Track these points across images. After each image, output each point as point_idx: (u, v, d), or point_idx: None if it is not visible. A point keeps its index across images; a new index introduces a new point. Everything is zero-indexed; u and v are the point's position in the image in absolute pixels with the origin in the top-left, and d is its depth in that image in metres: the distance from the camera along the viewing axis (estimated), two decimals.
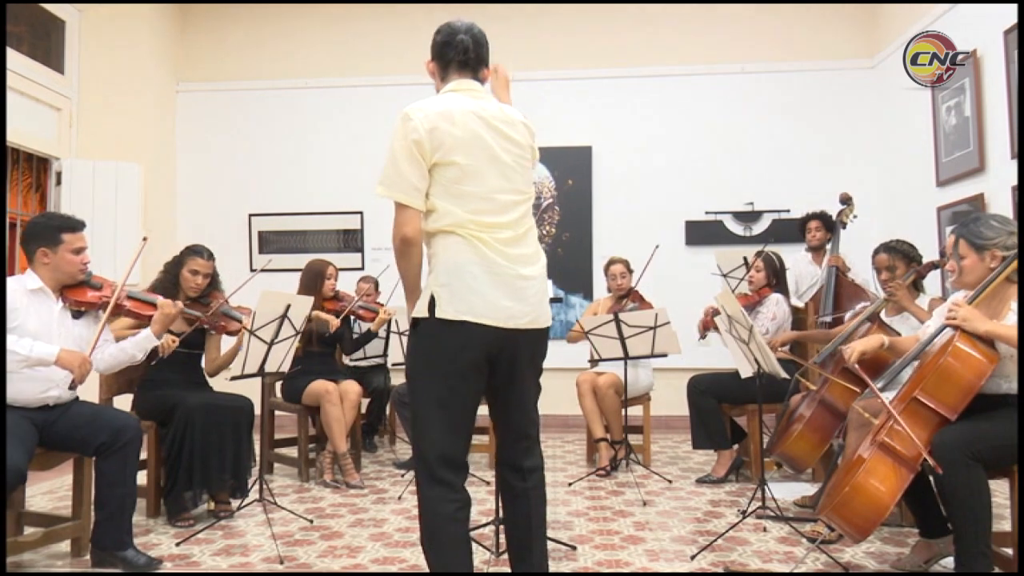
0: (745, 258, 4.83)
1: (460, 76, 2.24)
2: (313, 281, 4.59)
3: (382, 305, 4.96)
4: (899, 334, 3.35)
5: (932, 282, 4.27)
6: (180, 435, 3.50)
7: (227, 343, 3.96)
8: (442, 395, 2.10)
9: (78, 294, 3.11)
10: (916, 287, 3.57)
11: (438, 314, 2.07)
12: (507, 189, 2.17)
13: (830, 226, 5.07)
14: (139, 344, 3.28)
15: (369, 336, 4.90)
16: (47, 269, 3.02)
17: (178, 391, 3.64)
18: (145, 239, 3.51)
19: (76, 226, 3.08)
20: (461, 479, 2.13)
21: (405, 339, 4.35)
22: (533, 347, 2.22)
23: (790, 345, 4.44)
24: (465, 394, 2.13)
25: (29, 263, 3.06)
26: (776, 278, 4.49)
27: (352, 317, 4.85)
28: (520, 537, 2.27)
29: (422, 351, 2.13)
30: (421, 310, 2.11)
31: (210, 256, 3.83)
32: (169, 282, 3.76)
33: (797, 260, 5.22)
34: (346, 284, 5.42)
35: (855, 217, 4.83)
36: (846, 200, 4.79)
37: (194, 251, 3.82)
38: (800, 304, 4.90)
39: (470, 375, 2.11)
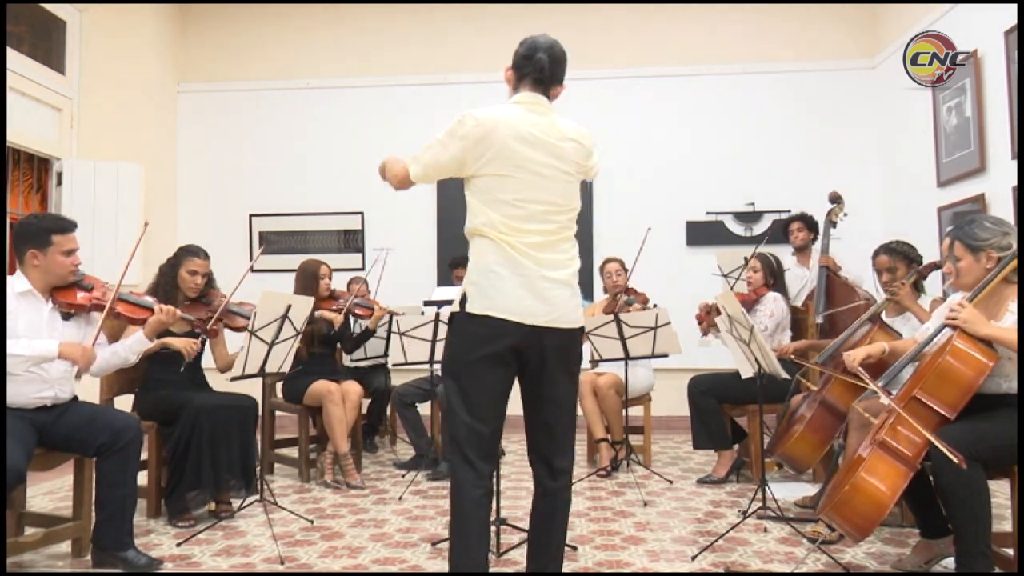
0: (746, 258, 4.83)
1: (532, 90, 2.37)
2: (309, 282, 4.59)
3: (376, 302, 4.95)
4: (900, 335, 3.36)
5: (933, 283, 4.27)
6: (187, 435, 3.49)
7: (234, 339, 3.93)
8: (467, 384, 2.27)
9: (68, 296, 3.07)
10: (917, 288, 3.58)
11: (467, 309, 2.26)
12: (540, 200, 2.29)
13: (812, 226, 5.11)
14: (131, 347, 3.26)
15: (368, 334, 4.91)
16: (37, 271, 2.99)
17: (181, 391, 3.64)
18: (147, 223, 3.40)
19: (67, 227, 3.03)
20: (488, 467, 2.28)
21: (406, 340, 4.41)
22: (562, 347, 2.31)
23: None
24: (488, 384, 2.27)
25: (19, 265, 3.02)
26: (773, 278, 4.49)
27: (350, 316, 4.85)
28: (540, 536, 2.37)
29: (453, 343, 2.33)
30: (455, 306, 2.31)
31: (206, 255, 3.82)
32: (167, 284, 3.74)
33: (788, 264, 5.25)
34: (343, 284, 5.43)
35: (845, 215, 4.83)
36: (835, 199, 4.79)
37: (190, 251, 3.80)
38: (798, 304, 4.89)
39: (494, 366, 2.26)
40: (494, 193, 2.27)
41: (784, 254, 5.19)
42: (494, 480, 2.41)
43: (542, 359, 2.29)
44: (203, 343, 3.81)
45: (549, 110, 2.39)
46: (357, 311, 4.80)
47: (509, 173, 2.26)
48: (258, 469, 3.85)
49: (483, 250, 2.28)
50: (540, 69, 2.36)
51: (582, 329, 2.40)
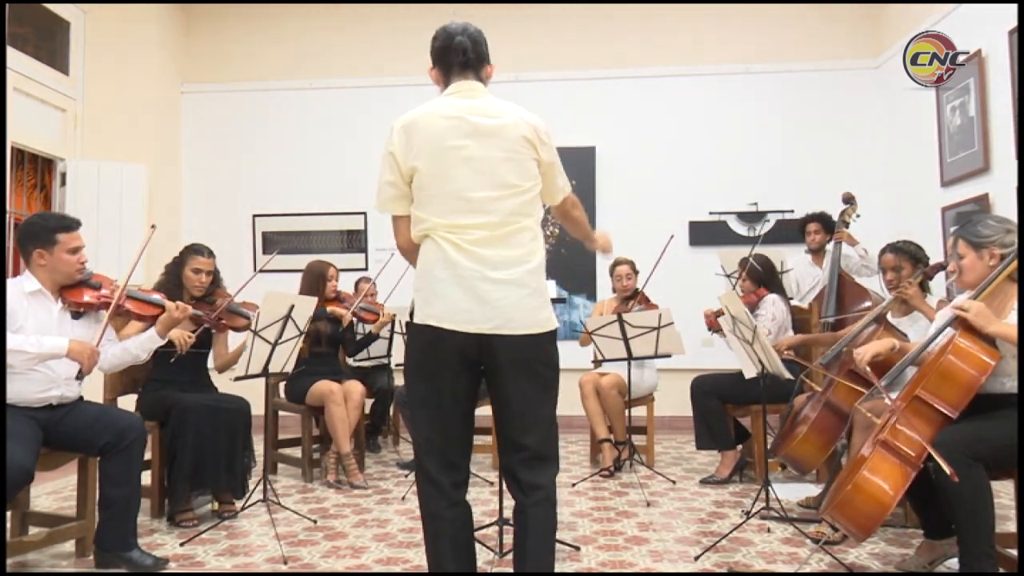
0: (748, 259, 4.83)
1: (462, 78, 2.21)
2: (315, 283, 4.61)
3: (382, 306, 4.99)
4: (906, 336, 3.34)
5: (938, 285, 4.26)
6: (176, 436, 3.50)
7: (235, 339, 3.95)
8: (423, 394, 2.15)
9: (77, 295, 3.07)
10: (922, 288, 3.57)
11: (413, 318, 2.15)
12: (483, 185, 2.10)
13: (829, 227, 5.09)
14: (143, 345, 3.26)
15: (371, 338, 4.92)
16: (44, 270, 2.99)
17: (178, 392, 3.65)
18: (153, 227, 3.39)
19: (71, 225, 3.04)
20: (449, 478, 2.13)
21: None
22: (519, 354, 2.09)
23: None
24: (443, 393, 2.12)
25: (26, 265, 3.02)
26: (762, 282, 4.48)
27: (355, 318, 4.86)
28: (515, 560, 2.15)
29: (408, 352, 2.24)
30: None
31: (210, 253, 3.82)
32: (172, 283, 3.75)
33: (798, 262, 5.24)
34: (347, 284, 5.42)
35: (858, 216, 4.81)
36: (849, 199, 4.78)
37: (194, 250, 3.81)
38: (803, 305, 4.89)
39: (445, 376, 2.11)
40: (426, 189, 2.12)
41: (786, 253, 5.19)
42: (462, 493, 2.18)
43: (496, 367, 2.10)
44: (208, 339, 3.82)
45: (484, 92, 2.20)
46: (363, 315, 4.81)
47: (441, 165, 2.10)
48: (259, 470, 3.86)
49: (425, 251, 2.13)
50: (463, 51, 2.19)
51: (551, 333, 2.15)
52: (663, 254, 4.69)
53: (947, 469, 2.33)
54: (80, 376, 2.94)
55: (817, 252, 5.17)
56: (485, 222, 2.09)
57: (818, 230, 5.13)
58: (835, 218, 4.90)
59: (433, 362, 2.11)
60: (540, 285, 2.13)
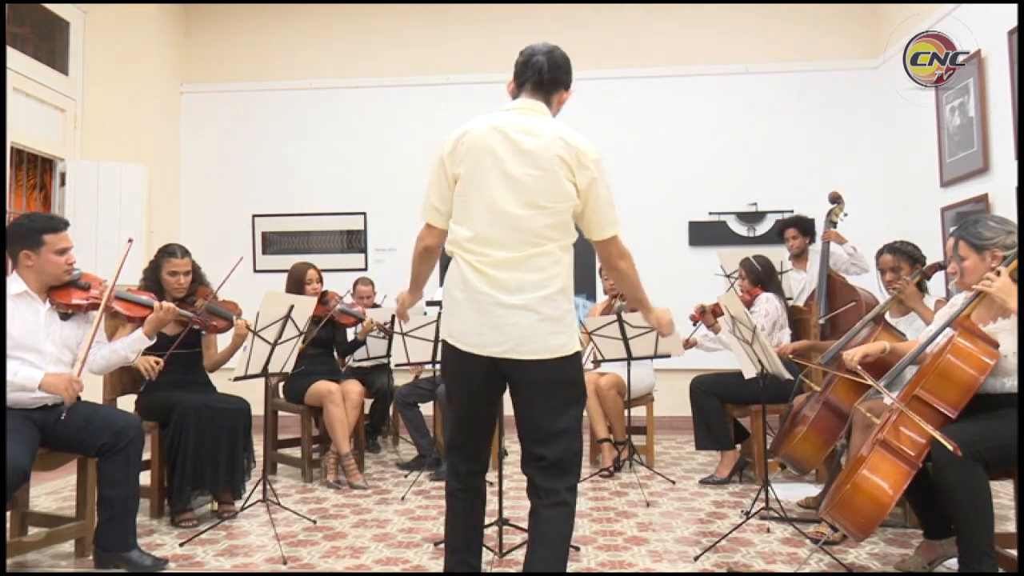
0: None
1: (531, 96, 2.28)
2: (296, 287, 4.53)
3: (364, 310, 4.90)
4: (904, 335, 3.35)
5: (936, 285, 4.26)
6: (177, 436, 3.50)
7: (222, 339, 3.94)
8: (447, 393, 2.38)
9: (65, 295, 3.04)
10: (920, 288, 3.57)
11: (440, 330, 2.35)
12: (515, 202, 2.15)
13: (807, 230, 5.10)
14: (131, 346, 3.24)
15: (357, 344, 4.88)
16: (31, 272, 2.96)
17: (178, 392, 3.63)
18: (131, 240, 3.31)
19: (58, 226, 3.00)
20: (464, 466, 2.34)
21: (408, 340, 4.41)
22: (533, 377, 2.16)
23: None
24: (459, 402, 2.32)
25: (13, 266, 2.99)
26: (760, 282, 4.48)
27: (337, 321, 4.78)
28: (527, 555, 2.20)
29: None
30: None
31: (184, 253, 3.74)
32: (152, 287, 3.67)
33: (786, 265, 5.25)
34: (345, 284, 5.40)
35: (845, 215, 4.83)
36: (836, 199, 4.78)
37: (167, 252, 3.73)
38: (800, 305, 4.89)
39: (459, 388, 2.31)
40: (467, 196, 2.18)
41: (785, 254, 5.19)
42: (476, 480, 2.38)
43: (513, 385, 2.21)
44: (197, 339, 3.81)
45: (539, 113, 2.26)
46: (341, 318, 4.74)
47: (480, 173, 2.17)
48: (258, 470, 3.86)
49: (450, 270, 2.24)
50: (539, 71, 2.25)
51: (568, 358, 2.17)
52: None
53: (949, 445, 2.35)
54: (67, 414, 2.89)
55: (799, 256, 5.20)
56: (511, 240, 2.15)
57: (795, 235, 5.17)
58: (822, 218, 4.91)
59: (451, 374, 2.31)
60: (556, 312, 2.16)
